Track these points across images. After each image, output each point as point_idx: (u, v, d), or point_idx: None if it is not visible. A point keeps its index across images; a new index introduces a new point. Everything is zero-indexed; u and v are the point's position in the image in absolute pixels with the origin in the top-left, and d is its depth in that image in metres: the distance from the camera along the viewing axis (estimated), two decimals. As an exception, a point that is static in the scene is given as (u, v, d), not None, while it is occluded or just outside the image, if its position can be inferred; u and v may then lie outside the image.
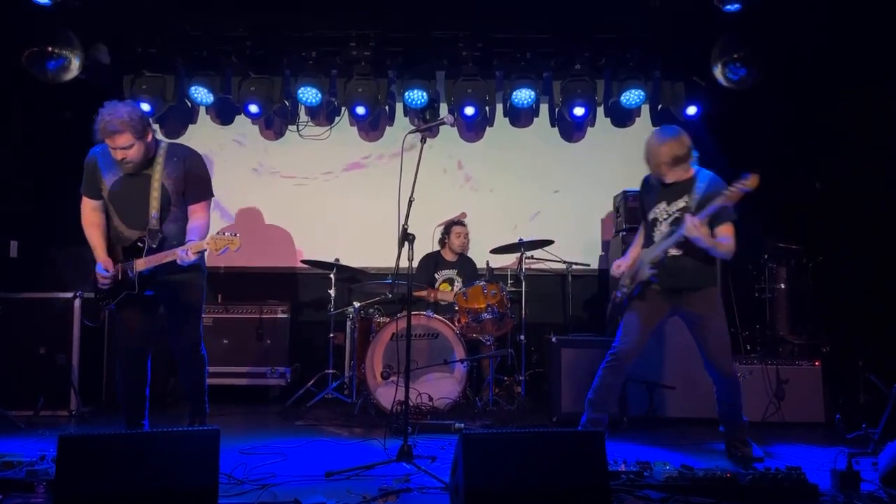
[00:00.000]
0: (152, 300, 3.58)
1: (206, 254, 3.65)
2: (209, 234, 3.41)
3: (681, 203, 3.70)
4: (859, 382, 5.04)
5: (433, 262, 5.83)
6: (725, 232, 3.61)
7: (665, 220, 3.76)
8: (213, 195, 3.67)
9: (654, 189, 3.85)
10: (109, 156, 3.48)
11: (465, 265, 5.86)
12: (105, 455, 2.54)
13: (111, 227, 3.60)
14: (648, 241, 3.86)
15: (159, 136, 3.68)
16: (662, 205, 3.77)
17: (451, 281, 5.79)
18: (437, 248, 5.93)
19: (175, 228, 3.55)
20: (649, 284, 3.75)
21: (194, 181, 3.57)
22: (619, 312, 3.90)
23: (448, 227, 5.88)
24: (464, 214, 6.21)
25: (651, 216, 3.84)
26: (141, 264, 3.45)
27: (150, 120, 3.54)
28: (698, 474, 2.98)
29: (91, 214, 3.61)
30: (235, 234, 3.35)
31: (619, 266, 3.90)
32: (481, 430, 3.84)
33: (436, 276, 5.79)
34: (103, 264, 3.47)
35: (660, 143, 3.67)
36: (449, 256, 5.87)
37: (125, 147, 3.37)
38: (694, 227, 3.48)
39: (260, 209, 6.31)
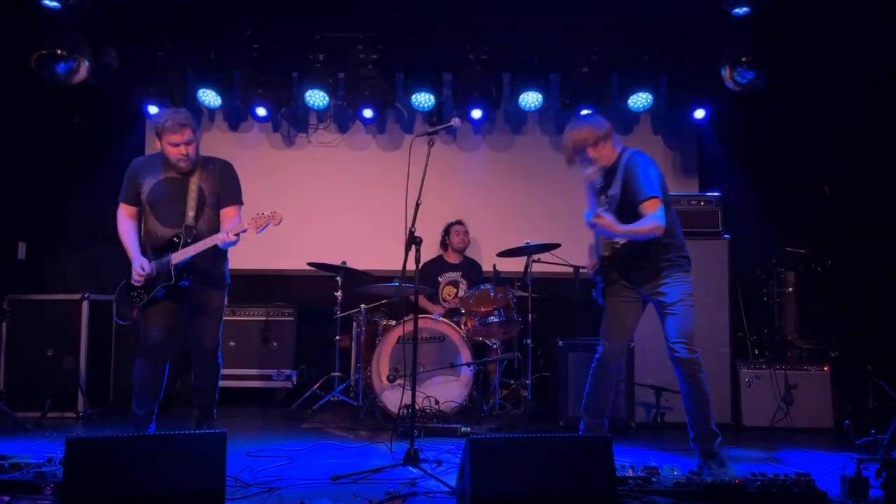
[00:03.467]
0: (178, 299, 3.70)
1: (228, 265, 3.87)
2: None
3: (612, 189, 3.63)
4: (868, 388, 5.02)
5: (436, 266, 5.80)
6: (646, 209, 3.38)
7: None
8: (243, 203, 3.85)
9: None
10: (148, 164, 3.75)
11: (469, 267, 5.84)
12: (113, 457, 2.54)
13: (145, 229, 3.79)
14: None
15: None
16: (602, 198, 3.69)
17: (455, 283, 5.78)
18: (439, 251, 5.92)
19: (207, 228, 3.72)
20: (615, 279, 3.68)
21: (228, 186, 3.81)
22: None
23: (447, 227, 5.86)
24: (469, 217, 6.21)
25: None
26: (178, 255, 3.62)
27: None
28: (706, 480, 2.96)
29: (127, 220, 3.81)
30: (273, 212, 3.56)
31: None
32: (488, 435, 3.84)
33: (439, 279, 5.77)
34: (140, 263, 3.62)
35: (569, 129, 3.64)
36: (452, 259, 5.86)
37: (188, 142, 3.61)
38: (593, 222, 3.34)
39: (266, 210, 6.30)
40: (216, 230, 3.71)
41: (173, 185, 3.71)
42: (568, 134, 3.65)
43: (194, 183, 3.70)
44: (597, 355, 3.76)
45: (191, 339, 3.80)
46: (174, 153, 3.62)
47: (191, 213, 3.67)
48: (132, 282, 3.66)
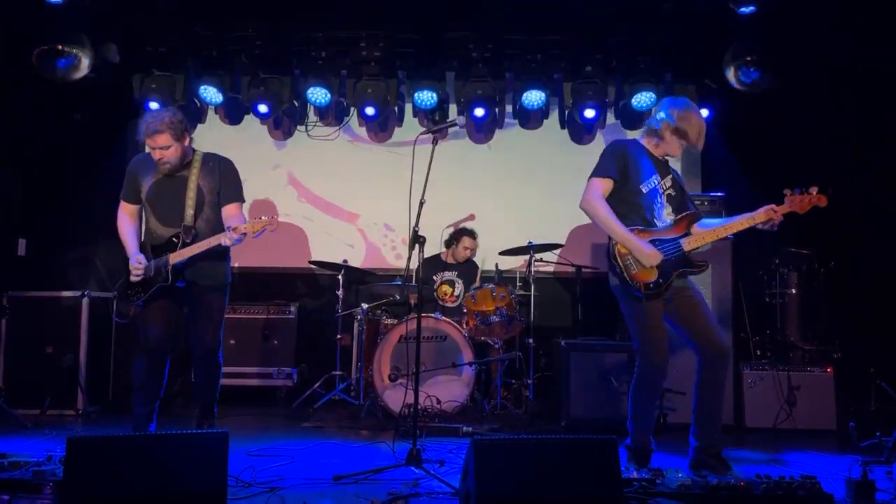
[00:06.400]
0: (179, 297, 3.69)
1: (229, 264, 3.81)
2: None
3: (669, 181, 3.49)
4: (871, 390, 5.01)
5: (433, 265, 5.75)
6: None
7: (663, 193, 3.46)
8: (244, 200, 3.81)
9: (643, 157, 3.50)
10: (148, 162, 3.70)
11: (466, 267, 5.80)
12: (113, 457, 2.51)
13: (146, 229, 3.77)
14: (646, 215, 3.42)
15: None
16: (656, 177, 3.47)
17: (451, 283, 5.74)
18: (439, 248, 5.86)
19: (206, 227, 3.69)
20: (684, 277, 3.41)
21: (228, 183, 3.77)
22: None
23: (459, 234, 5.77)
24: (472, 216, 6.19)
25: (645, 187, 3.44)
26: (176, 256, 3.60)
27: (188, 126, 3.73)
28: (712, 482, 2.93)
29: (127, 218, 3.80)
30: (273, 217, 3.51)
31: (657, 254, 3.31)
32: (493, 436, 3.80)
33: (434, 278, 5.73)
34: (136, 258, 3.61)
35: (705, 122, 3.50)
36: (449, 259, 5.82)
37: (164, 147, 3.57)
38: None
39: (268, 209, 6.29)
40: (216, 229, 3.67)
41: (171, 184, 3.68)
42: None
43: (193, 181, 3.67)
44: (649, 369, 3.41)
45: (191, 338, 3.76)
46: (153, 156, 3.62)
47: (189, 213, 3.64)
48: (130, 279, 3.64)
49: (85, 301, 4.95)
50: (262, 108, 5.79)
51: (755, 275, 5.45)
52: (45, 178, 5.72)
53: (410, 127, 6.28)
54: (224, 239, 3.51)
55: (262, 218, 3.49)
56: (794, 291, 5.32)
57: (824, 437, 4.53)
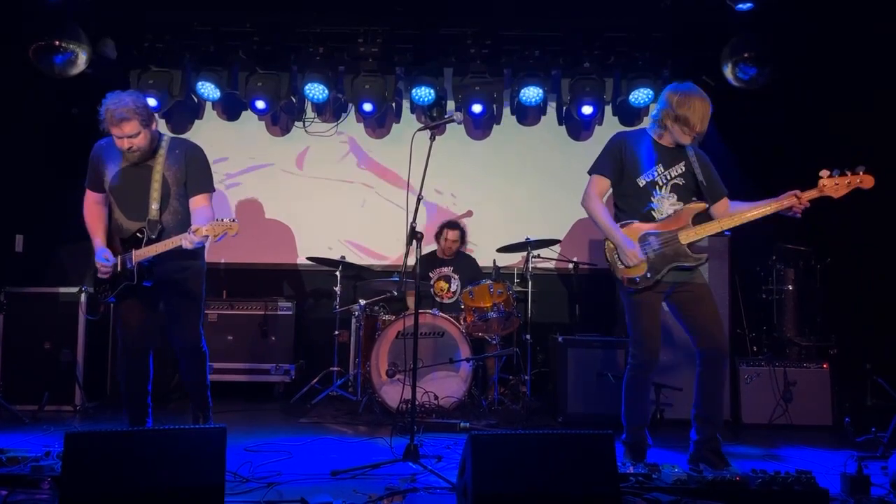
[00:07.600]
0: (151, 292, 3.52)
1: (205, 249, 3.60)
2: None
3: (678, 169, 3.42)
4: (867, 385, 5.03)
5: (429, 261, 5.75)
6: None
7: (664, 184, 3.40)
8: (214, 189, 3.61)
9: (645, 148, 3.44)
10: (112, 148, 3.48)
11: (462, 263, 5.81)
12: (111, 452, 2.52)
13: (112, 221, 3.58)
14: (643, 209, 3.42)
15: (163, 130, 3.61)
16: (660, 167, 3.41)
17: (447, 279, 5.74)
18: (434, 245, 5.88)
19: (173, 221, 3.50)
20: (679, 273, 3.35)
21: (195, 172, 3.53)
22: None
23: (442, 227, 5.75)
24: (470, 213, 6.19)
25: (643, 179, 3.41)
26: (140, 254, 3.40)
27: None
28: (707, 477, 2.95)
29: (93, 207, 3.62)
30: (234, 220, 3.29)
31: (636, 253, 3.33)
32: (491, 431, 3.82)
33: (430, 274, 5.72)
34: (103, 254, 3.44)
35: (709, 103, 3.33)
36: (442, 255, 5.82)
37: (132, 135, 3.34)
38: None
39: (266, 205, 6.29)
40: (184, 221, 3.47)
41: (135, 174, 3.45)
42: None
43: (158, 171, 3.43)
44: (638, 363, 3.44)
45: (170, 333, 3.59)
46: (119, 144, 3.38)
47: (154, 206, 3.41)
48: (98, 275, 3.48)
49: (82, 297, 4.95)
50: (260, 104, 5.77)
51: (752, 271, 5.47)
52: (43, 175, 5.71)
53: (408, 123, 6.28)
54: (184, 241, 3.25)
55: (224, 220, 3.24)
56: (790, 288, 5.34)
57: (820, 433, 4.55)
